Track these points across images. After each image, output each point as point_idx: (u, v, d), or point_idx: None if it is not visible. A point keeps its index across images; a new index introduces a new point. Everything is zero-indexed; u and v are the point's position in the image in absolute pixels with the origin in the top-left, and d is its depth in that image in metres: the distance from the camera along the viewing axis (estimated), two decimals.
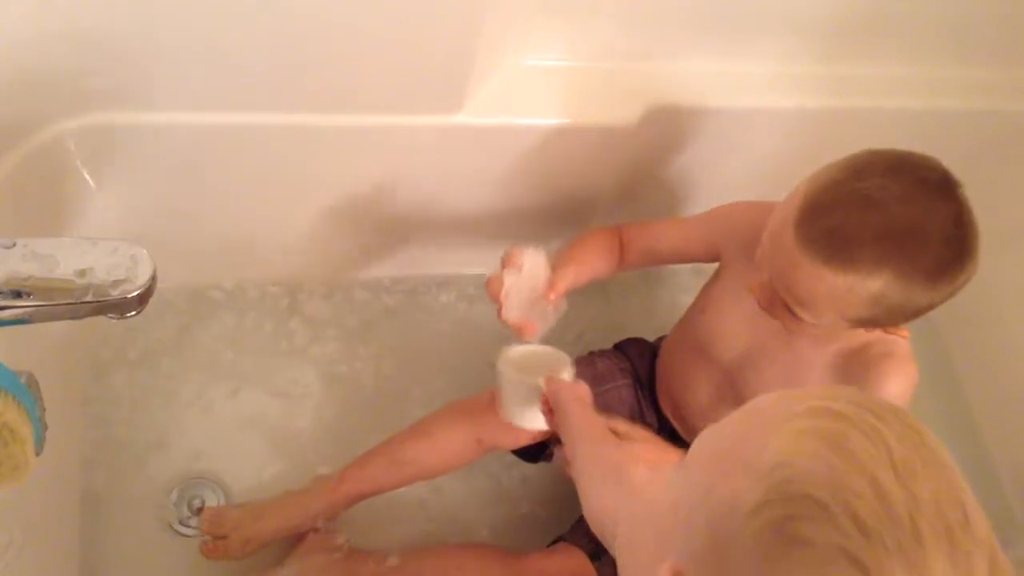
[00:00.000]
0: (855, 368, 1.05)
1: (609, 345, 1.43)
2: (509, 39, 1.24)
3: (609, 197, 1.46)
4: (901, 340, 1.00)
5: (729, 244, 1.17)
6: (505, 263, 1.12)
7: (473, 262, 1.60)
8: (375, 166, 1.32)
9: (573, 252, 1.21)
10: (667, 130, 1.35)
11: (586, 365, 1.34)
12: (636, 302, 1.69)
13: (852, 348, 1.06)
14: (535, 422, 1.06)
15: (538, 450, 1.29)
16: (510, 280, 1.11)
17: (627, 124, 1.30)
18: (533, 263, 1.13)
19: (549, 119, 1.28)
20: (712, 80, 1.34)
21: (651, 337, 1.42)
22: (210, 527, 1.28)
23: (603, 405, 1.28)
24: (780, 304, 0.97)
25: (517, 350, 1.09)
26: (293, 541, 1.32)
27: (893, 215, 0.87)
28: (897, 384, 1.04)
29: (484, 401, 1.26)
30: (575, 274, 1.16)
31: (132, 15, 1.00)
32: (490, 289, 1.11)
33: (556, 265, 1.16)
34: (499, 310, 1.10)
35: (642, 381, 1.35)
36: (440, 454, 1.29)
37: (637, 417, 1.34)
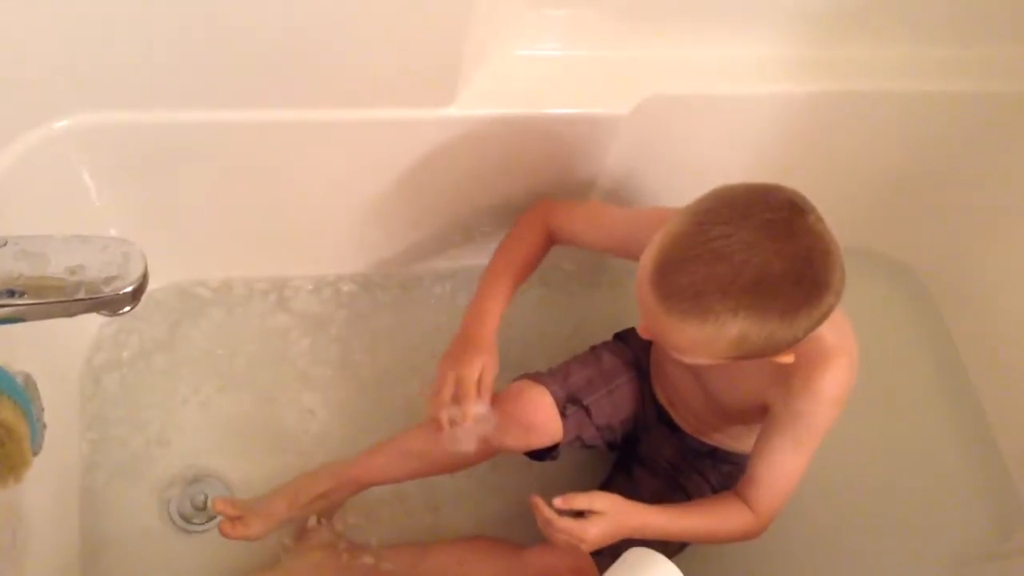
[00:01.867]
0: (784, 368, 1.05)
1: (607, 335, 1.43)
2: (499, 30, 1.24)
3: (604, 186, 1.46)
4: (827, 334, 1.00)
5: (642, 248, 1.18)
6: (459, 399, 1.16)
7: (467, 255, 1.60)
8: (366, 160, 1.31)
9: (495, 295, 1.26)
10: (661, 118, 1.35)
11: (592, 363, 1.34)
12: (633, 291, 1.68)
13: None
14: None
15: (545, 450, 1.29)
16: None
17: (620, 113, 1.30)
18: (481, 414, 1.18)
19: (541, 109, 1.27)
20: (706, 66, 1.33)
21: None
22: (223, 507, 1.27)
23: (611, 404, 1.31)
24: (664, 343, 0.99)
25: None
26: (293, 537, 1.33)
27: (739, 265, 0.88)
28: (822, 382, 1.05)
29: (495, 402, 1.25)
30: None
31: (124, 13, 1.00)
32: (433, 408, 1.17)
33: (476, 311, 1.24)
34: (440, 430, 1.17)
35: (644, 371, 1.35)
36: (449, 452, 1.28)
37: (640, 412, 1.34)
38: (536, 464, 1.34)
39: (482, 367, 1.18)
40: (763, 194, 0.91)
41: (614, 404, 1.32)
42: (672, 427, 1.33)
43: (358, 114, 1.21)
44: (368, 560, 1.31)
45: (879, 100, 1.40)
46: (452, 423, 1.16)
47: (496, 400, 1.25)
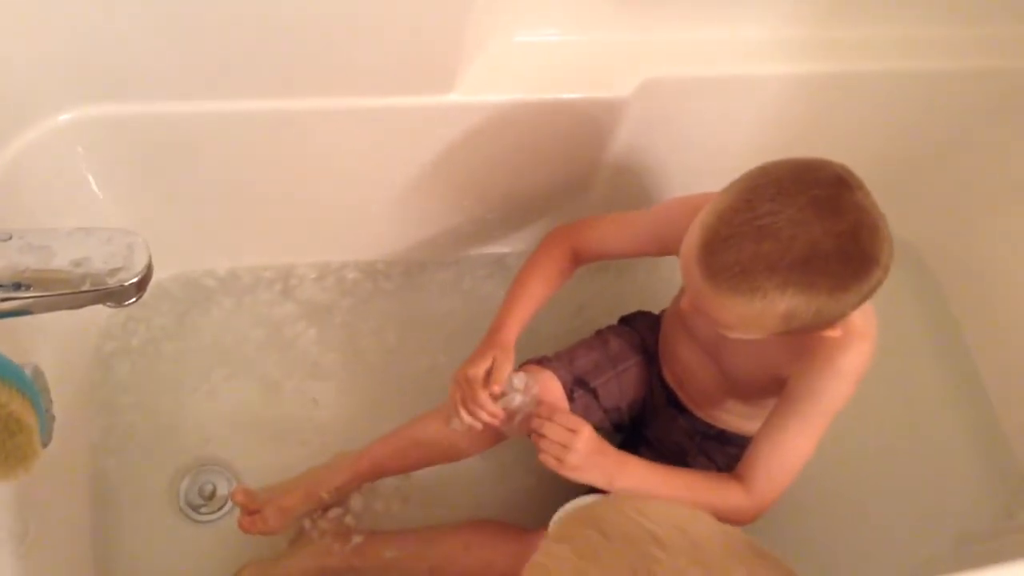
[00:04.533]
0: (809, 345, 1.07)
1: (613, 320, 1.43)
2: (498, 16, 1.24)
3: (606, 171, 1.46)
4: (856, 315, 0.99)
5: (677, 240, 1.18)
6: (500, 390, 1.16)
7: (472, 242, 1.60)
8: (368, 148, 1.31)
9: (515, 303, 1.26)
10: (662, 100, 1.35)
11: (600, 346, 1.35)
12: (641, 275, 1.69)
13: None
14: None
15: None
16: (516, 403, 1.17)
17: (622, 96, 1.29)
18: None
19: (542, 95, 1.27)
20: (707, 48, 1.33)
21: (656, 309, 1.42)
22: (243, 499, 1.28)
23: (618, 387, 1.32)
24: (710, 320, 0.99)
25: None
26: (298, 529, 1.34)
27: (787, 241, 0.88)
28: (843, 359, 1.05)
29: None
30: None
31: (124, 4, 1.00)
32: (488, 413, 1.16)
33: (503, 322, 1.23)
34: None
35: (651, 354, 1.36)
36: (460, 439, 1.29)
37: (647, 395, 1.35)
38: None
39: (492, 360, 1.18)
40: (811, 170, 0.91)
41: (621, 387, 1.32)
42: (680, 409, 1.33)
43: (358, 102, 1.21)
44: (376, 546, 1.32)
45: (878, 80, 1.39)
46: (475, 423, 1.17)
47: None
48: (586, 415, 1.28)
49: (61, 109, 1.13)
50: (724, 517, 1.14)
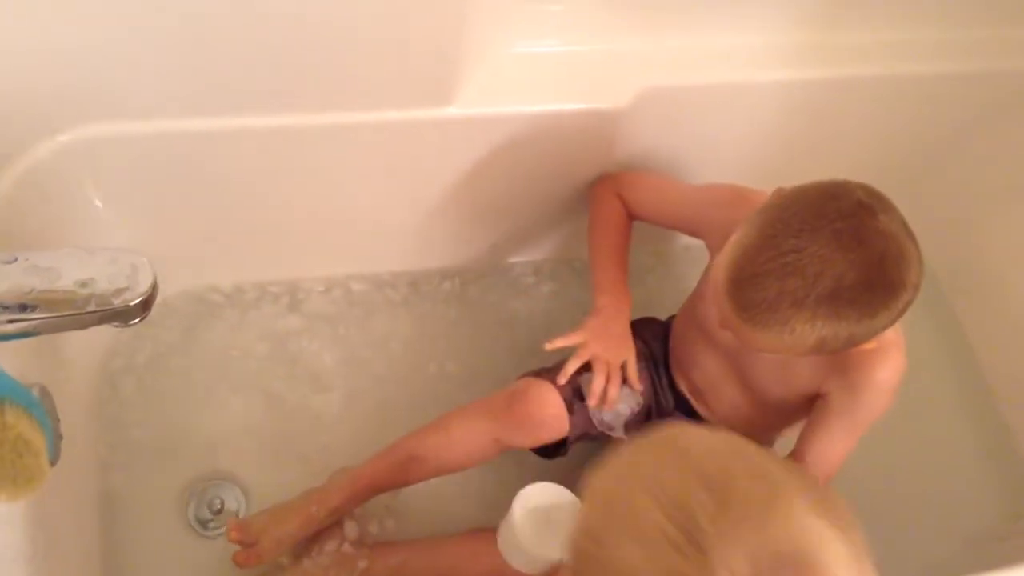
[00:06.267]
0: (840, 358, 1.08)
1: None
2: (496, 27, 1.24)
3: None
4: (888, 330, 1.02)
5: (710, 235, 1.19)
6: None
7: (475, 251, 1.61)
8: (368, 162, 1.32)
9: (610, 265, 1.32)
10: (662, 109, 1.35)
11: None
12: (651, 281, 1.69)
13: None
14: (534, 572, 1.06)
15: (554, 448, 1.30)
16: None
17: (621, 106, 1.30)
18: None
19: (541, 106, 1.28)
20: (705, 55, 1.33)
21: (663, 316, 1.42)
22: (239, 536, 1.28)
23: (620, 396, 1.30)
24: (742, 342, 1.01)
25: (535, 496, 1.06)
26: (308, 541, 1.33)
27: (812, 277, 0.89)
28: (882, 372, 1.08)
29: (502, 401, 1.27)
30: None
31: (121, 24, 1.00)
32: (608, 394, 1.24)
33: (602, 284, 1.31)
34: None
35: (657, 361, 1.36)
36: (457, 453, 1.29)
37: (654, 400, 1.35)
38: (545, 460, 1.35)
39: (627, 357, 1.25)
40: (832, 199, 0.91)
41: (622, 396, 1.32)
42: (690, 415, 1.33)
43: (358, 117, 1.22)
44: (383, 557, 1.32)
45: (876, 84, 1.40)
46: (589, 396, 1.24)
47: (502, 398, 1.27)
48: (586, 428, 1.28)
49: (62, 129, 1.14)
50: None
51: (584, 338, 1.25)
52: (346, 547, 1.32)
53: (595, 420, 1.26)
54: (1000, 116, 1.49)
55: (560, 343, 1.25)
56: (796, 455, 1.19)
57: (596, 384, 1.23)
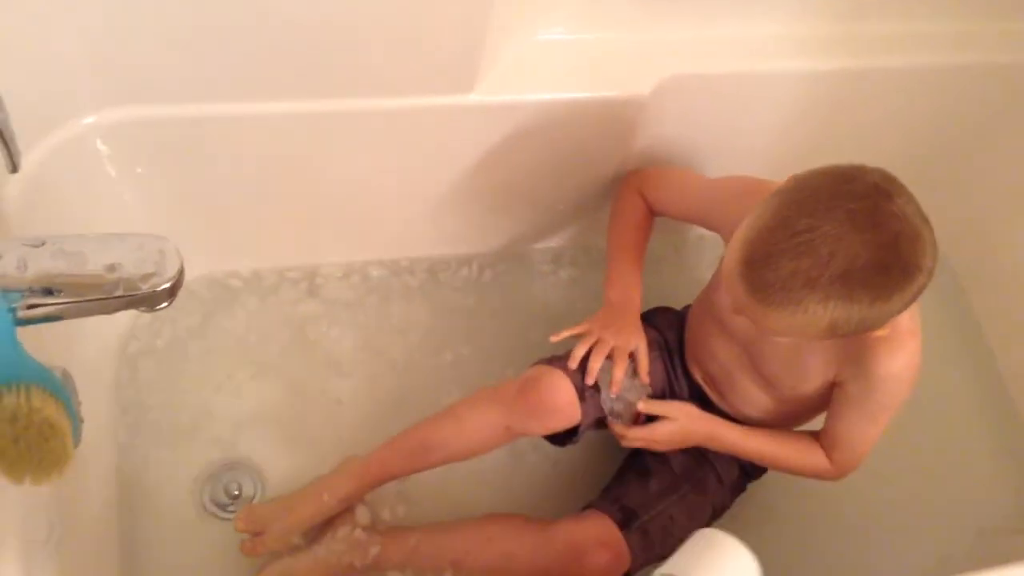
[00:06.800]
0: (854, 347, 1.08)
1: None
2: (519, 15, 1.24)
3: (630, 166, 1.45)
4: (904, 317, 1.01)
5: (725, 227, 1.19)
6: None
7: (494, 238, 1.61)
8: (390, 148, 1.32)
9: (623, 260, 1.34)
10: (684, 98, 1.35)
11: None
12: (667, 271, 1.69)
13: None
14: None
15: (566, 435, 1.30)
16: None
17: (642, 94, 1.30)
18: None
19: (562, 93, 1.28)
20: (725, 45, 1.33)
21: (678, 306, 1.42)
22: (246, 526, 1.29)
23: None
24: (755, 326, 1.01)
25: None
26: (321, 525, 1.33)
27: (825, 257, 0.88)
28: (895, 362, 1.08)
29: (514, 389, 1.27)
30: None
31: (147, 8, 1.01)
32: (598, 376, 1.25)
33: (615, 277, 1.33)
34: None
35: (672, 350, 1.36)
36: (469, 440, 1.29)
37: (667, 388, 1.35)
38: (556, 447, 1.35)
39: (636, 345, 1.27)
40: (847, 181, 0.91)
41: (631, 386, 1.32)
42: (705, 403, 1.33)
43: (380, 103, 1.22)
44: (396, 542, 1.32)
45: (898, 76, 1.39)
46: (598, 385, 1.25)
47: (514, 386, 1.27)
48: (598, 414, 1.28)
49: (87, 112, 1.14)
50: (809, 474, 1.21)
51: (590, 327, 1.26)
52: (358, 533, 1.32)
53: (605, 408, 1.26)
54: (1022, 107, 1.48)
55: (566, 333, 1.27)
56: (822, 441, 1.21)
57: (593, 360, 1.24)
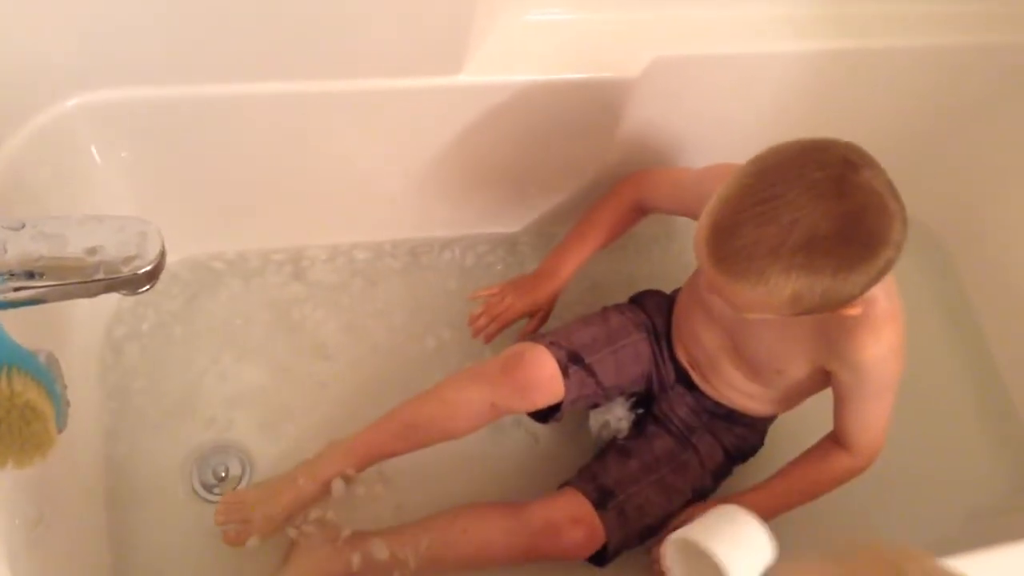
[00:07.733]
0: (834, 331, 1.08)
1: (623, 297, 1.43)
2: None
3: (617, 150, 1.45)
4: (881, 298, 1.01)
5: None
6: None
7: (479, 221, 1.61)
8: (376, 130, 1.31)
9: (572, 242, 1.40)
10: (673, 79, 1.34)
11: (599, 322, 1.35)
12: (656, 254, 1.69)
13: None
14: None
15: (548, 412, 1.30)
16: None
17: (632, 75, 1.29)
18: None
19: (550, 75, 1.27)
20: (716, 26, 1.32)
21: (668, 289, 1.42)
22: (229, 515, 1.27)
23: (615, 364, 1.32)
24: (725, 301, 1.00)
25: (687, 541, 1.10)
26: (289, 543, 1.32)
27: (788, 225, 0.87)
28: (877, 348, 1.08)
29: (497, 366, 1.27)
30: None
31: None
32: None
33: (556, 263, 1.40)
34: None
35: (659, 333, 1.36)
36: (454, 419, 1.29)
37: (654, 370, 1.35)
38: (539, 423, 1.36)
39: (535, 310, 1.38)
40: (816, 152, 0.90)
41: (619, 363, 1.32)
42: (690, 386, 1.33)
43: (366, 84, 1.21)
44: (373, 543, 1.28)
45: (889, 56, 1.38)
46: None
47: (497, 363, 1.27)
48: (581, 390, 1.28)
49: (68, 95, 1.13)
50: (842, 479, 1.23)
51: (502, 289, 1.39)
52: (330, 515, 1.31)
53: (593, 433, 1.38)
54: (1017, 89, 1.48)
55: (482, 293, 1.41)
56: (837, 436, 1.22)
57: (479, 319, 1.39)
